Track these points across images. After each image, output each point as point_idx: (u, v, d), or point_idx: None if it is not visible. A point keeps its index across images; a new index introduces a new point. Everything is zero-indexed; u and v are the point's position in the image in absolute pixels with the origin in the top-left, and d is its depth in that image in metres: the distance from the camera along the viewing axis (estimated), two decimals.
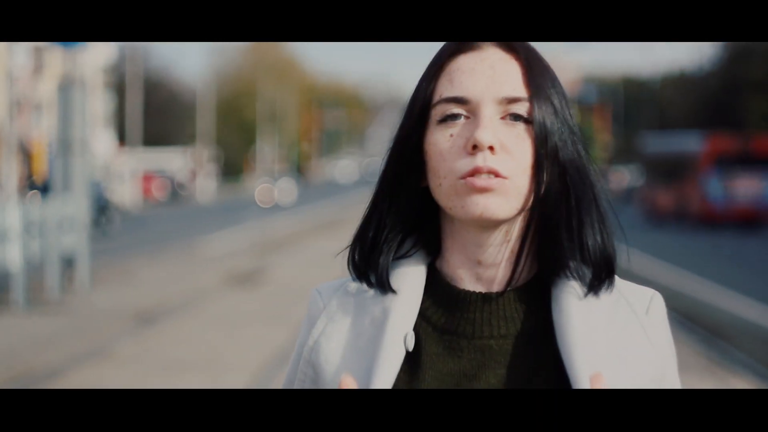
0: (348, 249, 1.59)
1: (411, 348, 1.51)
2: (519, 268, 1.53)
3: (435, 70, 1.53)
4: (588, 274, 1.53)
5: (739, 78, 48.53)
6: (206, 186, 63.74)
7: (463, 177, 1.47)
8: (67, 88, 15.23)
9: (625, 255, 1.59)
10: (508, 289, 1.53)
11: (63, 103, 15.06)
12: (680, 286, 15.95)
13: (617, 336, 1.52)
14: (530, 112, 1.49)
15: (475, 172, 1.46)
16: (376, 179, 1.58)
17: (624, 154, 67.38)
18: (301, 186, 75.18)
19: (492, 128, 1.47)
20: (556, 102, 1.51)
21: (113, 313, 12.97)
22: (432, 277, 1.56)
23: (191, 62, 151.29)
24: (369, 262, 1.56)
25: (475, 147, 1.46)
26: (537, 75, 1.51)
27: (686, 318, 12.54)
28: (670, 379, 1.56)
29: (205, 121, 67.49)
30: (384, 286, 1.54)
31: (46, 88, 43.75)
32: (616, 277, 1.56)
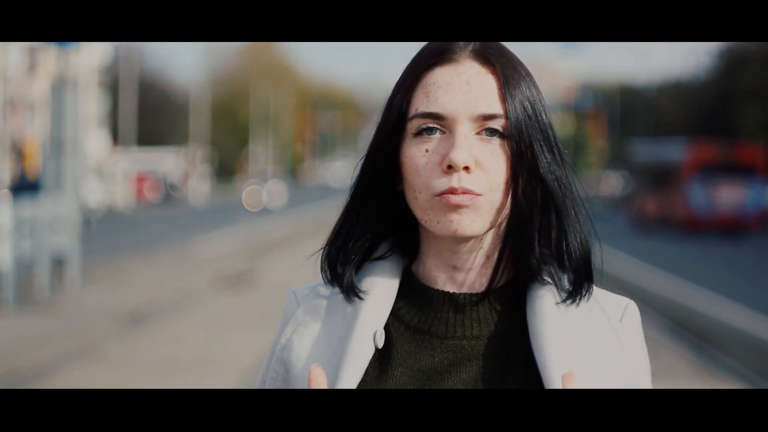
0: (321, 252, 1.61)
1: (380, 345, 1.52)
2: (495, 273, 1.54)
3: (411, 81, 1.54)
4: (566, 281, 1.54)
5: (734, 86, 48.58)
6: (199, 187, 63.09)
7: (439, 195, 1.48)
8: (59, 88, 15.21)
9: (603, 262, 1.61)
10: (483, 292, 1.55)
11: (55, 102, 15.04)
12: (663, 290, 15.97)
13: (591, 342, 1.53)
14: (506, 127, 1.50)
15: (450, 192, 1.47)
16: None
17: (619, 160, 67.47)
18: (293, 188, 74.49)
19: (467, 146, 1.48)
20: (532, 114, 1.52)
21: (103, 313, 12.96)
22: (407, 279, 1.58)
23: (186, 63, 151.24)
24: (340, 268, 1.57)
25: (450, 167, 1.48)
26: (513, 88, 1.51)
27: (675, 323, 12.57)
28: (643, 387, 1.57)
29: (198, 122, 67.40)
30: (352, 294, 1.56)
31: (40, 88, 43.67)
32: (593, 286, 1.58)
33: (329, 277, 1.59)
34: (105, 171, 48.90)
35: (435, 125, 1.50)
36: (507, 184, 1.50)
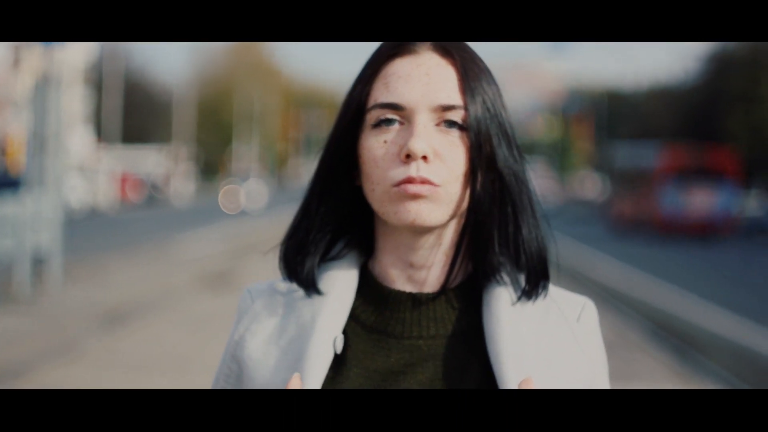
0: (279, 248, 1.60)
1: (339, 351, 1.51)
2: (451, 271, 1.53)
3: (371, 72, 1.52)
4: (522, 279, 1.54)
5: (721, 91, 48.75)
6: (183, 188, 62.39)
7: (396, 185, 1.47)
8: (41, 85, 15.14)
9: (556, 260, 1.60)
10: (440, 290, 1.54)
11: (37, 100, 14.98)
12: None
13: (547, 342, 1.53)
14: (465, 119, 1.49)
15: (407, 182, 1.46)
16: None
17: (602, 163, 67.73)
18: (275, 188, 73.47)
19: (426, 136, 1.47)
20: (491, 107, 1.51)
21: (83, 312, 12.90)
22: (364, 277, 1.57)
23: (171, 61, 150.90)
24: (298, 263, 1.56)
25: (408, 156, 1.46)
26: (472, 80, 1.50)
27: (657, 325, 12.61)
28: (600, 386, 1.57)
29: (182, 120, 67.19)
30: (311, 290, 1.54)
31: (25, 85, 43.50)
32: (549, 284, 1.57)
33: (287, 274, 1.57)
34: (88, 168, 48.44)
35: (394, 116, 1.49)
36: (465, 176, 1.49)
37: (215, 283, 16.64)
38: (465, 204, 1.51)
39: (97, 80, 58.24)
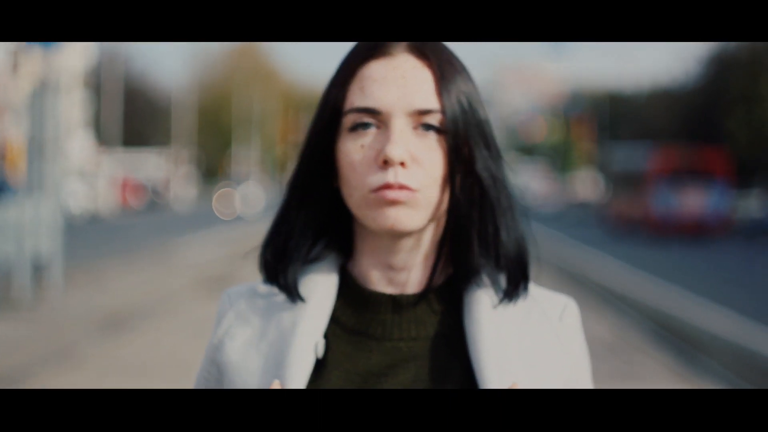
0: (259, 251, 1.59)
1: (321, 355, 1.50)
2: (432, 273, 1.52)
3: (345, 74, 1.51)
4: (503, 280, 1.53)
5: (721, 92, 48.77)
6: (184, 192, 61.98)
7: (374, 191, 1.46)
8: (39, 91, 15.13)
9: (537, 261, 1.59)
10: (421, 292, 1.53)
11: (35, 105, 14.97)
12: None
13: (529, 343, 1.52)
14: (442, 122, 1.48)
15: (385, 188, 1.45)
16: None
17: (602, 165, 67.85)
18: (274, 192, 72.68)
19: (403, 141, 1.46)
20: (468, 109, 1.50)
21: (84, 317, 12.90)
22: (344, 279, 1.56)
23: (171, 66, 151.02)
24: (279, 267, 1.55)
25: (386, 162, 1.45)
26: (449, 82, 1.49)
27: (658, 325, 12.60)
28: (583, 386, 1.57)
29: (182, 124, 67.16)
30: (293, 295, 1.53)
31: (24, 90, 43.47)
32: (531, 284, 1.56)
33: (268, 279, 1.56)
34: (88, 173, 48.27)
35: (370, 120, 1.48)
36: (444, 179, 1.48)
37: (215, 287, 16.63)
38: (444, 207, 1.50)
39: (97, 84, 58.22)
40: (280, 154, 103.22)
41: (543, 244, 23.42)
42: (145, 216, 45.06)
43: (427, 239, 1.53)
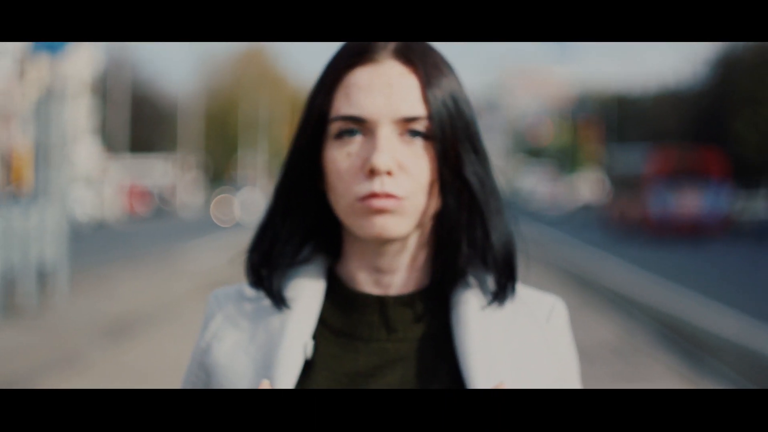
0: (245, 255, 1.58)
1: (309, 356, 1.50)
2: (418, 275, 1.53)
3: (331, 81, 1.50)
4: (490, 281, 1.53)
5: (728, 93, 48.76)
6: (190, 198, 61.84)
7: (361, 200, 1.46)
8: (46, 97, 15.17)
9: (525, 262, 1.59)
10: (408, 294, 1.53)
11: (41, 112, 15.00)
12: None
13: (517, 344, 1.52)
14: (429, 128, 1.47)
15: (372, 196, 1.45)
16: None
17: (607, 167, 67.90)
18: None
19: (389, 150, 1.45)
20: (455, 113, 1.49)
21: (89, 324, 12.91)
22: (331, 281, 1.56)
23: (179, 71, 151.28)
24: (266, 276, 1.55)
25: (372, 171, 1.45)
26: (435, 88, 1.48)
27: (663, 326, 12.59)
28: (571, 386, 1.56)
29: (189, 130, 67.27)
30: (278, 300, 1.53)
31: (31, 98, 43.58)
32: (518, 284, 1.56)
33: (254, 283, 1.56)
34: (95, 179, 48.31)
35: (356, 128, 1.47)
36: (431, 185, 1.48)
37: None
38: (431, 211, 1.50)
39: (103, 91, 58.30)
40: None
41: (549, 247, 23.35)
42: (151, 223, 44.71)
43: (414, 242, 1.53)
